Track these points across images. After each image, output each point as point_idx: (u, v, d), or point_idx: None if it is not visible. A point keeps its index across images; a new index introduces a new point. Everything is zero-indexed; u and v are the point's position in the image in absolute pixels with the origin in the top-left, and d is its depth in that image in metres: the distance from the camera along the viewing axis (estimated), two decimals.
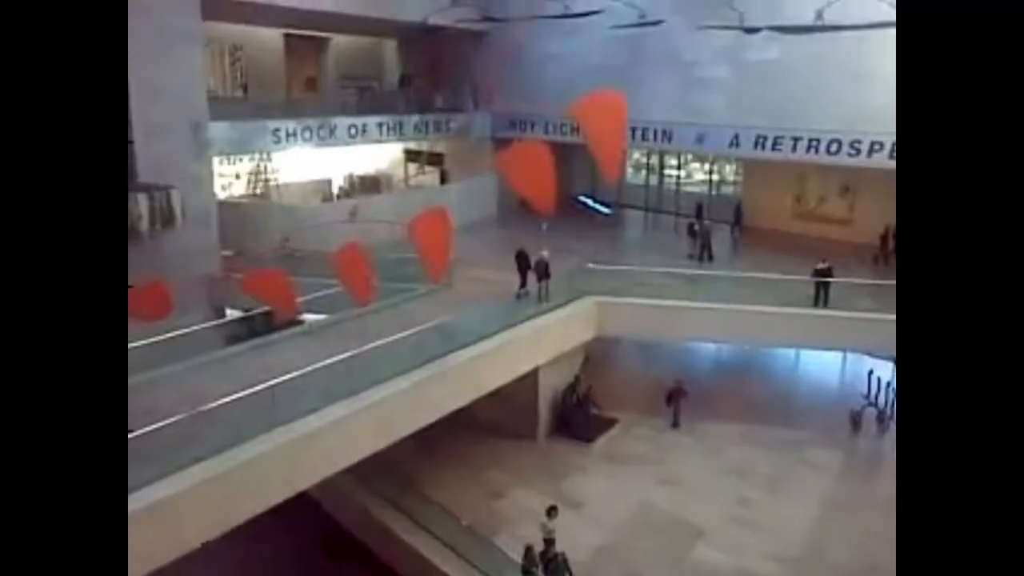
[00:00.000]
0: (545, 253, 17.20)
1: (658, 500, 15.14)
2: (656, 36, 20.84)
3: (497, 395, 15.52)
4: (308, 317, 19.24)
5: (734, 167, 28.01)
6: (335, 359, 12.66)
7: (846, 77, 18.63)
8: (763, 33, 17.41)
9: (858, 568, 12.93)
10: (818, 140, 19.40)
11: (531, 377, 16.90)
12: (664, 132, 22.42)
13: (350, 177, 29.03)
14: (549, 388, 17.73)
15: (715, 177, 28.62)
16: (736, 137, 21.21)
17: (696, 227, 22.33)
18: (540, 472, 16.27)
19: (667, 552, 13.55)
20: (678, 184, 29.98)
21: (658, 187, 30.66)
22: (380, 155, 29.98)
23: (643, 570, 13.14)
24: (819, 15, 13.10)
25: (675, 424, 18.06)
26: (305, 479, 11.97)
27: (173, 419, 10.16)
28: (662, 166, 30.54)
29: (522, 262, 17.37)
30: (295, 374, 11.93)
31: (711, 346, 23.18)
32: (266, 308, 19.75)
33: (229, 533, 10.42)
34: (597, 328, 17.90)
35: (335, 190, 28.65)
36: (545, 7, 15.75)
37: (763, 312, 17.26)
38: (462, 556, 13.56)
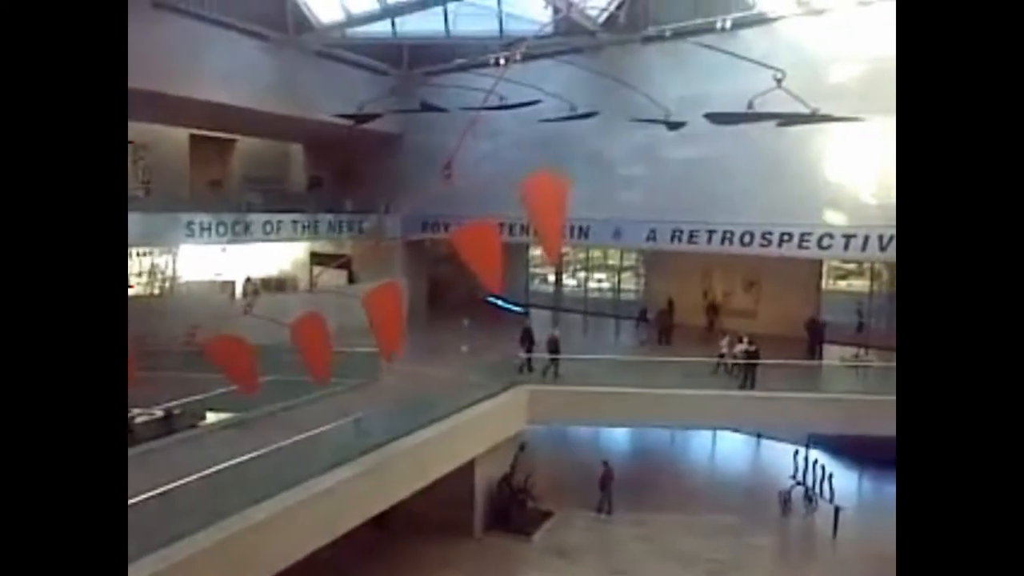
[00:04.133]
0: (556, 332, 19.42)
1: None
2: (574, 137, 21.84)
3: (429, 489, 14.83)
4: (211, 417, 18.06)
5: (630, 274, 30.01)
6: (258, 453, 11.86)
7: (759, 173, 20.12)
8: (680, 132, 18.59)
9: None
10: (732, 232, 20.59)
11: (467, 469, 16.36)
12: (581, 228, 23.11)
13: (248, 279, 28.03)
14: (485, 479, 17.18)
15: (606, 284, 30.83)
16: (653, 231, 22.19)
17: (649, 316, 25.00)
18: (485, 568, 15.52)
19: None
20: (586, 287, 31.00)
21: (558, 290, 32.33)
22: (284, 257, 29.39)
23: None
24: (750, 105, 14.14)
25: (607, 510, 17.91)
26: None
27: None
28: (560, 272, 32.22)
29: (527, 339, 19.22)
30: (214, 469, 11.06)
31: (631, 434, 23.52)
32: (164, 409, 18.39)
33: None
34: (530, 416, 17.68)
35: (239, 291, 27.60)
36: (477, 102, 16.19)
37: (694, 395, 17.64)
38: None
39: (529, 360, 18.92)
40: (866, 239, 18.77)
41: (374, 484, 13.10)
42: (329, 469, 12.45)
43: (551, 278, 33.09)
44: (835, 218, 19.63)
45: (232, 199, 28.07)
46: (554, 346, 18.82)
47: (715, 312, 25.03)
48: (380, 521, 14.75)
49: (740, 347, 18.67)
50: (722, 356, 18.90)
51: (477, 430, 16.30)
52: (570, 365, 18.79)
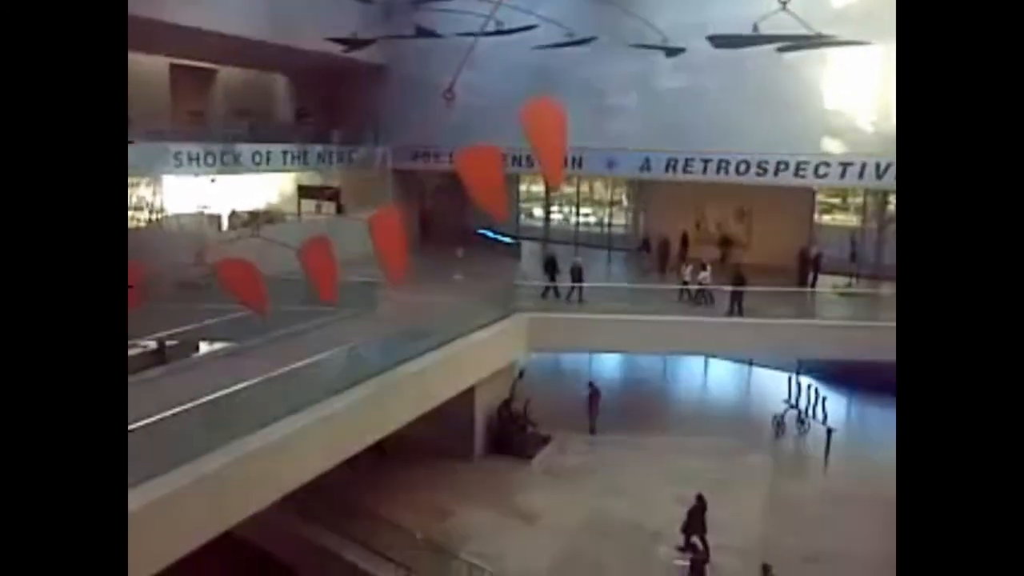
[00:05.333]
0: (579, 259, 19.82)
1: (609, 508, 15.08)
2: (566, 65, 21.35)
3: (431, 415, 14.99)
4: (204, 347, 18.02)
5: (617, 208, 30.22)
6: (268, 376, 11.78)
7: (755, 102, 19.88)
8: (674, 61, 18.29)
9: (806, 552, 13.45)
10: (727, 161, 20.49)
11: (467, 395, 16.56)
12: (574, 159, 22.83)
13: (234, 212, 27.58)
14: (485, 405, 17.45)
15: (592, 219, 30.80)
16: (647, 161, 22.04)
17: (652, 246, 24.49)
18: (485, 489, 15.83)
19: (630, 554, 13.55)
20: (577, 220, 30.95)
21: (546, 223, 32.21)
22: (271, 190, 28.97)
23: (612, 571, 13.10)
24: (755, 28, 13.88)
25: (592, 429, 18.44)
26: (241, 509, 10.77)
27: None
28: (549, 205, 32.09)
29: (551, 267, 19.81)
30: (227, 391, 11.00)
31: (625, 361, 24.00)
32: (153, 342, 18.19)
33: None
34: (529, 343, 17.85)
35: (225, 224, 27.23)
36: (467, 29, 15.79)
37: (690, 321, 17.88)
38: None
39: (555, 288, 19.41)
40: (863, 167, 18.74)
41: (377, 409, 13.22)
42: (331, 395, 12.48)
43: (536, 212, 33.03)
44: (832, 146, 19.57)
45: (215, 130, 27.52)
46: (577, 273, 19.32)
47: (728, 245, 24.72)
48: (383, 448, 14.97)
49: (703, 274, 18.98)
50: (685, 284, 19.18)
51: (477, 357, 16.45)
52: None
